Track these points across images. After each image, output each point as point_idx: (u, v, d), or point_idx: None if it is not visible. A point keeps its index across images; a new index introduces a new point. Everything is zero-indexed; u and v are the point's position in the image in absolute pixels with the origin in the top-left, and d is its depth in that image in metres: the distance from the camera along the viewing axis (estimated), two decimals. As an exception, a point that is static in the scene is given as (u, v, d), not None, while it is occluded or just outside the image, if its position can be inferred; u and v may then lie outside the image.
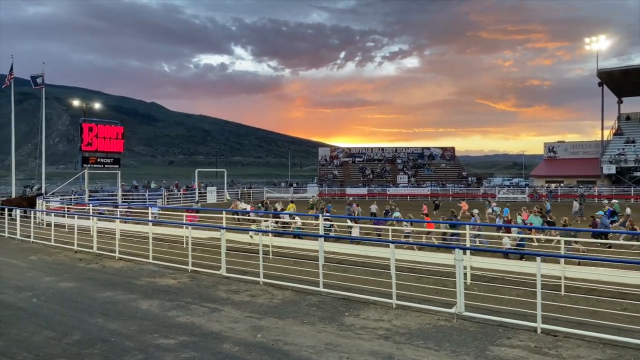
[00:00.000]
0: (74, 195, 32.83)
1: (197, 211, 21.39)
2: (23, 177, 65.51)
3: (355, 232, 16.18)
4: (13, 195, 30.67)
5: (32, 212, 22.22)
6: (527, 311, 7.41)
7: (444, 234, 15.11)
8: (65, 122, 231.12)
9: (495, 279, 10.43)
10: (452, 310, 7.64)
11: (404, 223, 16.67)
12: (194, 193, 39.30)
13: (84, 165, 26.89)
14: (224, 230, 11.38)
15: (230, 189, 46.01)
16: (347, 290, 9.15)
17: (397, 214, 18.77)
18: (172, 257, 12.30)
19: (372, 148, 65.79)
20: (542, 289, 7.06)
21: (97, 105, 52.57)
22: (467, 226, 12.54)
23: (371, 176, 57.22)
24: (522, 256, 12.20)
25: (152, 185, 48.66)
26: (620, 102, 53.88)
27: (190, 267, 11.50)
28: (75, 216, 17.95)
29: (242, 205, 23.53)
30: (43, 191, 28.89)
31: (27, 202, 25.18)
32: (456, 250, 7.83)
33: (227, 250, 11.01)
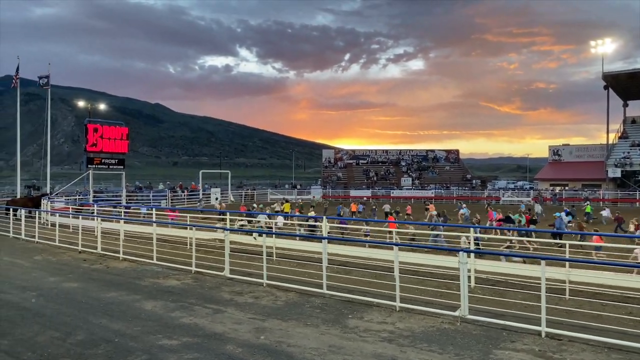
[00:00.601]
0: (79, 195, 32.97)
1: (174, 210, 24.66)
2: (28, 177, 65.79)
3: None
4: (18, 196, 30.85)
5: (36, 212, 22.32)
6: (531, 315, 7.37)
7: (413, 234, 15.98)
8: (70, 123, 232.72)
9: (500, 282, 10.39)
10: (456, 313, 7.62)
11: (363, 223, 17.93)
12: (198, 194, 39.43)
13: (89, 165, 27.02)
14: (228, 231, 11.41)
15: (237, 190, 46.11)
16: (351, 292, 9.15)
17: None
18: (176, 258, 12.33)
19: (376, 150, 65.61)
20: (546, 292, 7.03)
21: (102, 106, 52.75)
22: (471, 229, 12.51)
23: (375, 178, 57.20)
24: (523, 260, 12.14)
25: (160, 186, 48.91)
26: (625, 105, 53.69)
27: (194, 268, 11.52)
28: (80, 217, 18.03)
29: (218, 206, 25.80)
30: (47, 191, 29.03)
31: (32, 203, 25.30)
32: (460, 253, 7.81)
33: (230, 251, 11.03)
